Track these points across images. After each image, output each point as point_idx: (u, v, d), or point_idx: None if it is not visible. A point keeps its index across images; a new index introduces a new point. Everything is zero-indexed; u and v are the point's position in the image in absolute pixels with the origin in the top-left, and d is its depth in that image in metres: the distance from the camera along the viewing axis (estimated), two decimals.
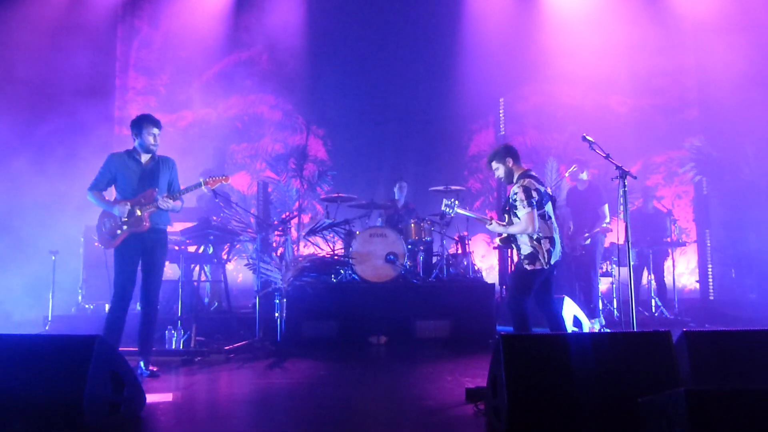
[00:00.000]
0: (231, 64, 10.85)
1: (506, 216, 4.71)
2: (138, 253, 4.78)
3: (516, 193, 4.55)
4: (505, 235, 4.75)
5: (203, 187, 4.98)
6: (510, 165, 4.72)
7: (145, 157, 4.86)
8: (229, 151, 10.58)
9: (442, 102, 10.32)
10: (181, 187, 4.97)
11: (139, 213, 4.72)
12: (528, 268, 4.57)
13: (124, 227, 4.72)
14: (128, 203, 4.73)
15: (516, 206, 4.54)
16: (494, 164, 4.78)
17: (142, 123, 4.82)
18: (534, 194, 4.52)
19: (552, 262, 4.58)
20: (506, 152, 4.75)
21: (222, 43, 10.64)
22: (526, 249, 4.61)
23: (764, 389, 2.41)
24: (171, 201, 4.79)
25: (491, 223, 4.80)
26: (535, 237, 4.55)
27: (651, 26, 9.82)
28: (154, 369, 4.74)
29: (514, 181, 4.69)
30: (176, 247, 6.64)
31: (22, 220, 7.68)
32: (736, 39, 8.54)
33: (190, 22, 10.39)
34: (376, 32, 10.28)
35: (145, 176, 4.82)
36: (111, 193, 4.98)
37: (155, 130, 4.83)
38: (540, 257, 4.55)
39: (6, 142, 7.61)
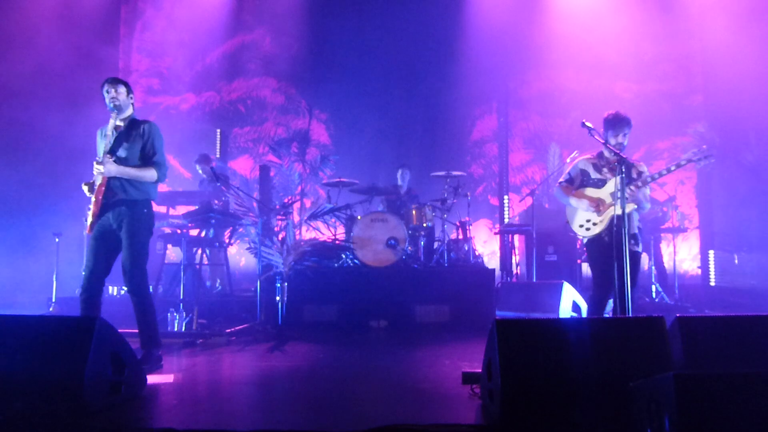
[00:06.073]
0: (234, 47, 10.85)
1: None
2: (105, 231, 4.30)
3: (647, 169, 4.65)
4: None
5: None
6: None
7: (119, 122, 4.38)
8: (231, 134, 10.59)
9: (445, 87, 10.28)
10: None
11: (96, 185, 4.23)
12: (636, 249, 4.60)
13: (90, 206, 4.28)
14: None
15: (648, 183, 4.57)
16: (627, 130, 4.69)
17: None
18: None
19: None
20: None
21: (225, 26, 10.64)
22: (634, 229, 4.63)
23: (752, 373, 2.44)
24: (113, 164, 4.19)
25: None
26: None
27: (657, 11, 9.75)
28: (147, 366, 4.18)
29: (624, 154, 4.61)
30: (178, 231, 6.69)
31: (26, 202, 7.73)
32: (743, 24, 8.47)
33: (193, 3, 10.38)
34: (379, 16, 10.22)
35: (113, 141, 4.31)
36: None
37: (105, 87, 4.34)
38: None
39: (7, 126, 7.64)
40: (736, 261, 8.78)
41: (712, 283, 8.68)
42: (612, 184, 4.62)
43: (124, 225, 4.28)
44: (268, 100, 10.86)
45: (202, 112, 10.77)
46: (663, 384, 2.44)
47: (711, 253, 8.77)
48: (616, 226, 4.22)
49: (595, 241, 4.68)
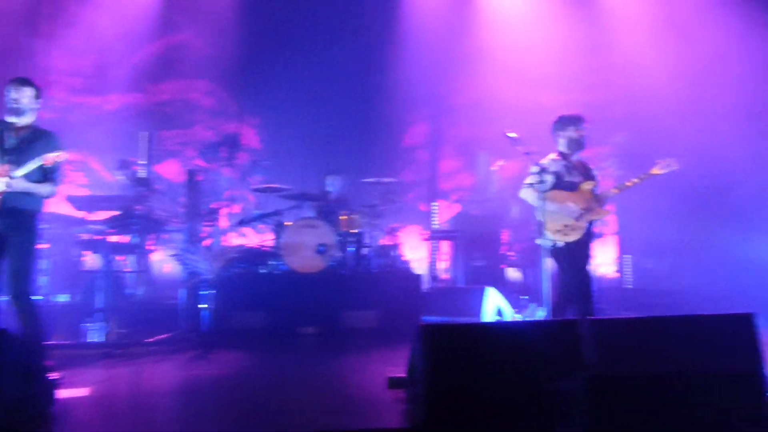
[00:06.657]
0: (163, 47, 10.53)
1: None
2: None
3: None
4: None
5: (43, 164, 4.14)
6: None
7: (17, 126, 4.21)
8: (158, 137, 10.27)
9: (377, 94, 10.30)
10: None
11: None
12: None
13: None
14: None
15: (622, 190, 4.70)
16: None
17: None
18: None
19: None
20: None
21: (154, 24, 10.26)
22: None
23: (659, 373, 2.57)
24: (20, 180, 4.05)
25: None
26: None
27: (581, 24, 10.11)
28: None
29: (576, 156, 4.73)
30: (98, 237, 6.43)
31: None
32: (660, 37, 8.90)
33: (121, 0, 10.00)
34: (313, 22, 10.19)
35: (12, 149, 4.14)
36: None
37: (9, 87, 4.16)
38: None
39: None
40: (650, 265, 9.22)
41: (629, 286, 9.06)
42: (587, 187, 4.62)
43: (14, 234, 4.15)
44: (199, 102, 10.60)
45: (127, 114, 10.38)
46: (577, 385, 2.53)
47: (627, 257, 9.17)
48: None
49: (570, 247, 4.51)
